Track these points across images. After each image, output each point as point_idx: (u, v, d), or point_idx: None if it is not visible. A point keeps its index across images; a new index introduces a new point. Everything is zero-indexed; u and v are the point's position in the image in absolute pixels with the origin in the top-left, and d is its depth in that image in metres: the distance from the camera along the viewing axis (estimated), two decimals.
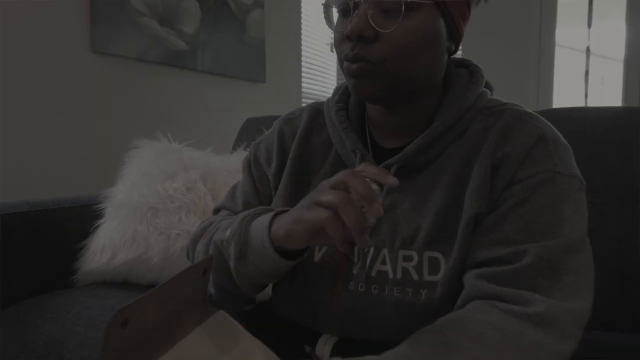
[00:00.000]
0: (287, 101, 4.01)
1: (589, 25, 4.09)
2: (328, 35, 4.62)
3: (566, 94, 4.56)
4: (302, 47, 4.17)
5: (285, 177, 0.83)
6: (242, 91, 3.48)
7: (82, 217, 1.09)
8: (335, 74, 4.65)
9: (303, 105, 4.13)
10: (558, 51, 4.17)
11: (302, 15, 4.16)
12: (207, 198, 1.06)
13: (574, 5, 4.23)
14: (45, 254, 1.03)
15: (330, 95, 0.90)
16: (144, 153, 1.22)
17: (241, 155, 1.23)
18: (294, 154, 0.84)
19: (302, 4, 4.14)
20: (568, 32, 4.22)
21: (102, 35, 2.41)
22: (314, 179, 0.82)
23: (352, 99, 0.86)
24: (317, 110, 0.92)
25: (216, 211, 0.87)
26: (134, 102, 2.63)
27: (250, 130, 1.49)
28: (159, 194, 1.06)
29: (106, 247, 0.99)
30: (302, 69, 4.20)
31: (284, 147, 0.88)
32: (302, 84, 4.21)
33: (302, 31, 4.17)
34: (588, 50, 4.12)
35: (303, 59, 4.20)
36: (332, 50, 4.61)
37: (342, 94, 0.89)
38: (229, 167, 1.14)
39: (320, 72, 4.53)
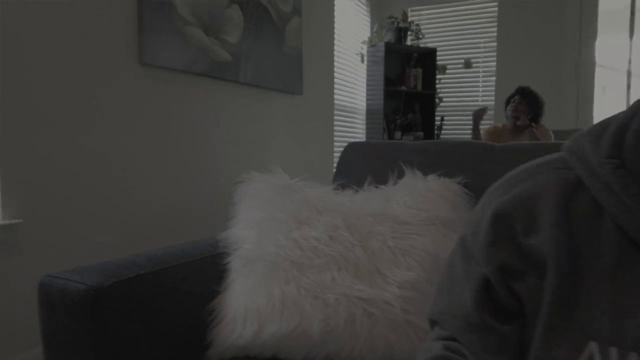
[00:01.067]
0: (320, 113, 3.83)
1: (631, 36, 3.96)
2: (359, 44, 4.46)
3: (607, 110, 4.43)
4: (334, 57, 4.01)
5: (547, 288, 0.58)
6: (280, 104, 3.30)
7: (197, 272, 0.89)
8: (364, 85, 4.48)
9: (335, 116, 4.01)
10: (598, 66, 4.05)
11: (335, 24, 4.00)
12: (356, 251, 0.88)
13: (614, 17, 4.11)
14: (165, 323, 0.83)
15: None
16: (258, 190, 1.03)
17: (373, 197, 1.04)
18: (554, 250, 0.58)
19: (335, 12, 3.98)
20: (608, 46, 4.10)
21: (149, 46, 2.22)
22: (590, 278, 0.57)
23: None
24: (563, 175, 0.62)
25: (432, 324, 0.67)
26: (179, 115, 2.44)
27: (356, 158, 1.30)
28: (300, 245, 0.88)
29: (250, 316, 0.80)
30: (334, 79, 4.03)
31: (525, 245, 0.60)
32: (334, 95, 4.04)
33: (335, 41, 4.00)
34: (630, 63, 3.99)
35: (335, 69, 4.03)
36: (362, 61, 4.44)
37: (612, 146, 0.59)
38: (369, 210, 0.96)
39: (351, 83, 4.36)
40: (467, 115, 4.60)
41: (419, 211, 0.95)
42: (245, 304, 0.83)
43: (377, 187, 1.07)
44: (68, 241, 1.92)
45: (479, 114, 3.14)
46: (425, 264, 0.87)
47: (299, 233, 0.91)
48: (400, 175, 1.11)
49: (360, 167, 1.26)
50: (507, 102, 3.30)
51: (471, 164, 1.11)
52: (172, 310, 0.83)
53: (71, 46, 1.91)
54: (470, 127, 3.32)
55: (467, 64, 4.18)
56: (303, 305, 0.81)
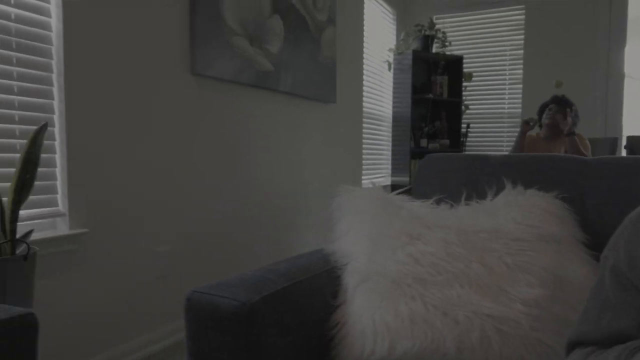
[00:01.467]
0: (351, 121, 3.84)
1: None
2: (385, 52, 4.47)
3: (637, 118, 4.42)
4: (363, 64, 4.03)
5: None
6: (316, 112, 3.32)
7: (318, 287, 0.90)
8: (390, 93, 4.49)
9: (364, 124, 4.02)
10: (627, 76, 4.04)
11: (364, 32, 4.02)
12: (475, 267, 0.88)
13: None
14: (304, 336, 0.83)
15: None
16: (361, 204, 1.04)
17: (476, 212, 1.05)
18: None
19: (364, 21, 4.00)
20: (638, 53, 4.09)
21: (201, 57, 2.24)
22: None
23: None
24: None
25: (569, 347, 0.68)
26: (228, 124, 2.46)
27: (436, 172, 1.31)
28: (418, 261, 0.88)
29: (380, 332, 0.81)
30: (363, 87, 4.05)
31: None
32: (363, 103, 4.05)
33: (364, 49, 4.02)
34: None
35: (364, 77, 4.05)
36: (389, 69, 4.46)
37: None
38: (480, 227, 0.96)
39: (377, 91, 4.37)
40: (493, 122, 4.61)
41: (530, 227, 0.95)
42: (373, 320, 0.83)
43: (477, 202, 1.08)
44: (129, 249, 1.94)
45: (528, 123, 3.13)
46: (544, 281, 0.88)
47: (415, 249, 0.92)
48: (499, 189, 1.11)
49: (444, 181, 1.27)
50: (541, 111, 3.29)
51: (566, 179, 1.12)
52: (306, 324, 0.84)
53: (131, 60, 1.93)
54: (506, 136, 3.32)
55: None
56: (434, 323, 0.82)
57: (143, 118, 1.99)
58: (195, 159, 2.27)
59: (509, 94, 4.53)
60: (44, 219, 1.67)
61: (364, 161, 4.14)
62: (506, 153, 4.45)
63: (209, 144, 2.35)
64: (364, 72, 4.05)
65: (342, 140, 3.71)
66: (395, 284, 0.88)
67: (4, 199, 1.32)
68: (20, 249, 1.33)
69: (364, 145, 4.12)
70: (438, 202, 1.11)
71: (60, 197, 1.72)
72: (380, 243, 0.95)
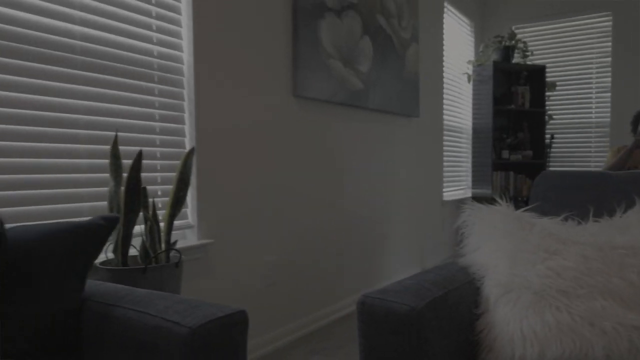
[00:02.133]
0: (432, 134, 3.89)
1: None
2: (464, 65, 4.49)
3: None
4: (443, 78, 4.07)
5: None
6: (401, 126, 3.41)
7: (462, 296, 0.99)
8: (470, 104, 4.49)
9: (444, 137, 4.06)
10: None
11: (444, 47, 4.07)
12: (615, 282, 0.94)
13: None
14: (458, 341, 0.93)
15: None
16: (493, 220, 1.12)
17: (608, 228, 1.09)
18: None
19: (444, 34, 4.05)
20: None
21: (301, 80, 2.41)
22: None
23: None
24: None
25: None
26: (324, 141, 2.61)
27: (554, 188, 1.36)
28: (560, 275, 0.95)
29: (529, 339, 0.89)
30: (443, 100, 4.09)
31: None
32: (443, 116, 4.09)
33: (444, 62, 4.07)
34: None
35: (444, 90, 4.09)
36: (468, 81, 4.46)
37: None
38: (616, 242, 1.01)
39: (457, 104, 4.39)
40: (579, 132, 4.47)
41: None
42: (520, 328, 0.91)
43: (607, 219, 1.12)
44: (245, 258, 2.11)
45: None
46: None
47: (555, 263, 0.98)
48: (627, 206, 1.15)
49: (565, 197, 1.32)
50: (637, 120, 3.18)
51: None
52: (457, 330, 0.93)
53: (245, 85, 2.13)
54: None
55: None
56: (581, 332, 0.88)
57: (255, 138, 2.18)
58: (297, 176, 2.43)
59: (596, 103, 4.39)
60: (177, 230, 1.87)
61: (444, 173, 4.16)
62: (599, 165, 4.28)
63: (308, 161, 2.51)
64: (444, 85, 4.09)
65: (424, 153, 3.76)
66: (538, 295, 0.95)
67: (153, 212, 1.52)
68: (165, 256, 1.52)
69: (444, 158, 4.15)
70: (565, 218, 1.16)
71: (190, 212, 1.93)
72: (518, 257, 1.02)
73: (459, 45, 4.41)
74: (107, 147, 1.58)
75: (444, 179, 4.17)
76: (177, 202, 1.49)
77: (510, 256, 1.03)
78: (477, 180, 4.46)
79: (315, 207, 2.55)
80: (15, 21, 1.38)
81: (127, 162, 1.60)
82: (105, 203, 1.56)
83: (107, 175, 1.57)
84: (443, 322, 0.89)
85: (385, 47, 3.11)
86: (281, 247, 2.33)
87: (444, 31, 4.06)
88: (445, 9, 4.06)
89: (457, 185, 4.49)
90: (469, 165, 4.61)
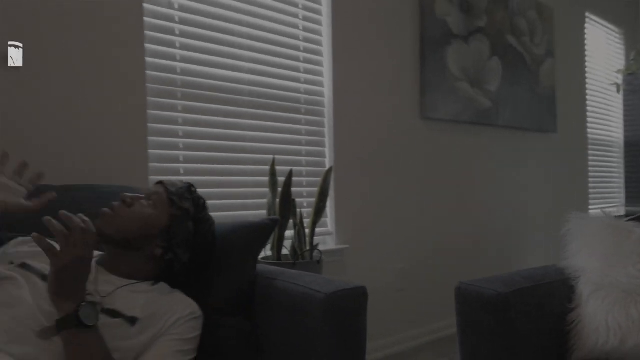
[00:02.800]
0: (574, 149, 3.76)
1: None
2: (613, 75, 4.23)
3: None
4: (586, 90, 3.91)
5: None
6: (534, 142, 3.40)
7: (554, 291, 1.14)
8: (621, 116, 4.20)
9: (589, 151, 3.87)
10: None
11: (586, 57, 3.91)
12: None
13: None
14: (544, 327, 1.09)
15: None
16: (591, 228, 1.24)
17: None
18: None
19: (586, 45, 3.89)
20: None
21: (428, 103, 2.64)
22: None
23: None
24: None
25: None
26: (450, 159, 2.79)
27: None
28: None
29: (613, 329, 1.01)
30: (587, 113, 3.91)
31: None
32: (587, 130, 3.91)
33: (586, 74, 3.91)
34: None
35: (587, 102, 3.91)
36: (618, 92, 4.19)
37: None
38: None
39: (605, 116, 4.15)
40: None
41: None
42: (606, 320, 1.04)
43: None
44: (376, 263, 2.39)
45: None
46: None
47: None
48: None
49: None
50: None
51: None
52: (546, 318, 1.09)
53: (375, 110, 2.44)
54: None
55: None
56: None
57: (385, 157, 2.46)
58: (424, 190, 2.65)
59: None
60: (319, 236, 2.23)
61: (590, 190, 3.96)
62: None
63: (435, 178, 2.71)
64: (588, 97, 3.92)
65: (564, 169, 3.66)
66: (626, 293, 1.06)
67: (301, 220, 1.88)
68: (307, 255, 1.87)
69: (589, 173, 3.95)
70: None
71: (330, 221, 2.28)
72: (611, 261, 1.13)
73: (605, 55, 4.18)
74: (267, 168, 2.00)
75: (590, 195, 3.96)
76: (319, 212, 1.84)
77: (604, 259, 1.14)
78: (631, 196, 4.14)
79: (442, 221, 2.73)
80: (207, 75, 1.88)
81: (281, 179, 2.00)
82: (264, 211, 1.98)
83: (266, 189, 1.99)
84: (530, 309, 1.05)
85: (516, 66, 3.18)
86: (410, 256, 2.55)
87: (586, 42, 3.91)
88: (587, 19, 3.92)
89: (608, 201, 4.20)
90: (622, 180, 4.29)
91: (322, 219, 2.24)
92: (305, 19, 2.21)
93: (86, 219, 0.90)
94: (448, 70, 2.74)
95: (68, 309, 0.85)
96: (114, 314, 0.93)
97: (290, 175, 1.79)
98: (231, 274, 1.18)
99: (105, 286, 0.97)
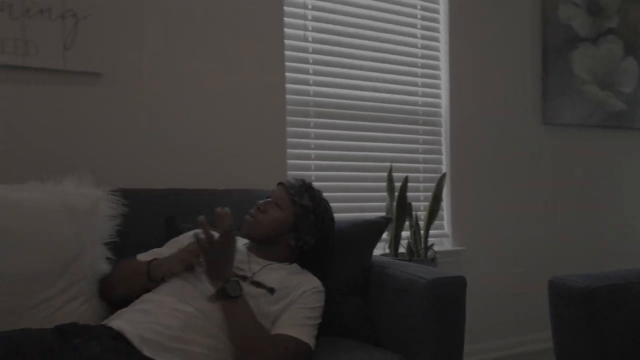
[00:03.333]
0: None
1: None
2: None
3: None
4: None
5: None
6: None
7: None
8: None
9: None
10: None
11: None
12: None
13: None
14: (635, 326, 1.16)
15: None
16: None
17: None
18: None
19: None
20: None
21: (551, 108, 2.63)
22: None
23: None
24: None
25: None
26: (576, 165, 2.74)
27: None
28: None
29: None
30: None
31: None
32: None
33: None
34: None
35: None
36: None
37: None
38: None
39: None
40: None
41: None
42: None
43: None
44: (493, 266, 2.48)
45: None
46: None
47: None
48: None
49: None
50: None
51: None
52: (635, 314, 1.16)
53: (493, 115, 2.52)
54: None
55: None
56: None
57: (505, 163, 2.54)
58: (546, 197, 2.65)
59: None
60: (435, 237, 2.40)
61: None
62: None
63: (558, 184, 2.68)
64: None
65: None
66: None
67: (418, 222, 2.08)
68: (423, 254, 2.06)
69: None
70: None
71: (446, 224, 2.44)
72: None
73: None
74: (384, 174, 2.23)
75: None
76: (432, 214, 2.03)
77: None
78: None
79: (566, 228, 2.69)
80: (334, 95, 2.19)
81: (398, 185, 2.22)
82: (383, 213, 2.22)
83: (384, 194, 2.22)
84: (620, 303, 1.13)
85: None
86: (530, 261, 2.58)
87: None
88: None
89: None
90: None
91: (439, 222, 2.41)
92: (423, 36, 2.41)
93: (228, 226, 1.14)
94: (573, 74, 2.70)
95: (217, 285, 1.17)
96: (258, 285, 1.24)
97: (405, 180, 2.01)
98: (350, 261, 1.45)
99: (254, 265, 1.30)
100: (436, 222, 2.39)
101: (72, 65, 1.66)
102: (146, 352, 1.04)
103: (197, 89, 1.86)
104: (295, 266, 1.35)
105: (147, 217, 1.47)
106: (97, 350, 1.01)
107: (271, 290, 1.24)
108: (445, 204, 2.44)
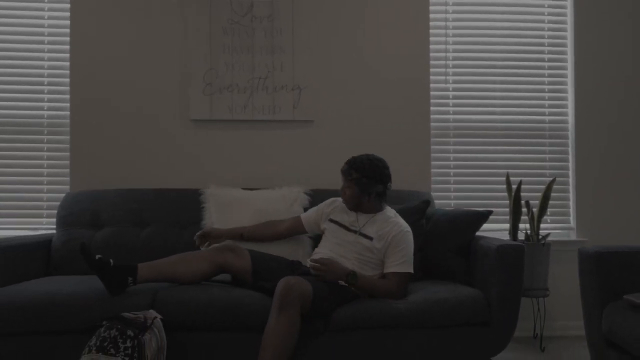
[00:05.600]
0: None
1: None
2: None
3: None
4: None
5: None
6: None
7: None
8: None
9: None
10: None
11: None
12: None
13: None
14: None
15: None
16: None
17: None
18: None
19: None
20: None
21: None
22: None
23: None
24: None
25: None
26: None
27: None
28: None
29: None
30: None
31: None
32: None
33: None
34: None
35: None
36: None
37: None
38: None
39: None
40: None
41: None
42: None
43: None
44: None
45: None
46: None
47: None
48: None
49: None
50: None
51: None
52: None
53: (621, 126, 2.92)
54: None
55: None
56: None
57: (627, 167, 2.92)
58: None
59: None
60: (558, 230, 2.94)
61: None
62: None
63: None
64: None
65: None
66: None
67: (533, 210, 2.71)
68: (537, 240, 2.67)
69: None
70: None
71: (572, 218, 2.95)
72: None
73: None
74: (503, 179, 2.88)
75: None
76: (542, 209, 2.65)
77: None
78: None
79: None
80: (470, 118, 2.96)
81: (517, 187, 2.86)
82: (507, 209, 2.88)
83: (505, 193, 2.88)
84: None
85: None
86: None
87: None
88: None
89: None
90: None
91: (566, 217, 2.96)
92: (550, 52, 2.99)
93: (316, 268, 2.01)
94: None
95: (342, 279, 2.01)
96: (365, 236, 2.10)
97: (519, 185, 2.68)
98: (460, 236, 2.26)
99: (361, 220, 2.15)
100: (563, 217, 2.96)
101: (297, 117, 2.85)
102: None
103: (372, 125, 2.88)
104: (386, 212, 2.16)
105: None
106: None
107: (371, 239, 2.09)
108: (571, 202, 2.96)
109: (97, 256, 1.87)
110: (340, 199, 2.23)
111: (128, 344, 1.63)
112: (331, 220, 2.21)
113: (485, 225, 2.29)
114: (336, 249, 2.11)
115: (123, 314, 1.73)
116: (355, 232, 2.12)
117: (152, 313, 1.80)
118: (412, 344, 1.94)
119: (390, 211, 2.19)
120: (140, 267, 1.94)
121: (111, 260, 1.89)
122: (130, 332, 1.65)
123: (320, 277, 1.95)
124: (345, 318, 1.91)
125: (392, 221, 2.13)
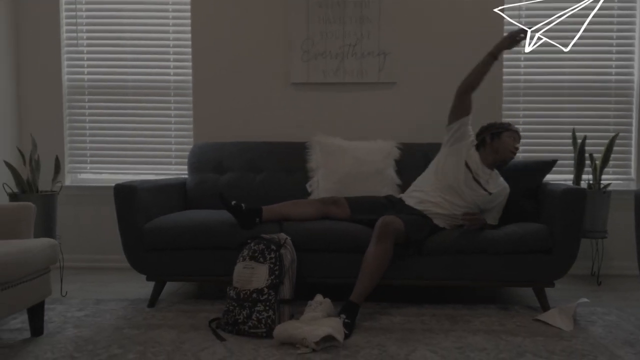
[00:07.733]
0: None
1: None
2: None
3: None
4: None
5: None
6: None
7: None
8: None
9: None
10: None
11: None
12: None
13: None
14: None
15: None
16: None
17: None
18: None
19: None
20: None
21: None
22: None
23: None
24: None
25: None
26: None
27: None
28: None
29: None
30: None
31: None
32: None
33: None
34: None
35: None
36: None
37: None
38: None
39: None
40: None
41: None
42: None
43: None
44: None
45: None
46: None
47: None
48: None
49: None
50: None
51: None
52: None
53: None
54: None
55: None
56: None
57: None
58: None
59: None
60: (621, 181, 3.23)
61: None
62: None
63: None
64: None
65: None
66: None
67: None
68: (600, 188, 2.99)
69: None
70: None
71: (633, 170, 3.23)
72: None
73: None
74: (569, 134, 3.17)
75: None
76: (605, 161, 2.96)
77: None
78: None
79: None
80: (543, 78, 3.25)
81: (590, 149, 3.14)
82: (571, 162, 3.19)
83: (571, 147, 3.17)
84: None
85: None
86: None
87: None
88: None
89: None
90: None
91: (626, 169, 3.24)
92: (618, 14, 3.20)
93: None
94: None
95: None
96: (490, 193, 2.57)
97: (584, 139, 2.98)
98: (530, 181, 2.64)
99: (486, 174, 2.58)
100: (625, 169, 3.25)
101: (382, 79, 3.25)
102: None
103: (448, 86, 3.24)
104: (496, 172, 2.59)
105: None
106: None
107: (490, 194, 2.53)
108: (633, 155, 3.23)
109: (233, 202, 2.41)
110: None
111: (272, 255, 2.17)
112: (467, 166, 2.54)
113: (552, 177, 2.66)
114: (449, 195, 2.54)
115: (263, 235, 2.28)
116: (485, 189, 2.52)
117: (283, 235, 2.33)
118: (490, 266, 2.40)
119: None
120: (265, 209, 2.47)
121: (243, 205, 2.42)
122: (273, 247, 2.19)
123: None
124: (436, 245, 2.40)
125: (501, 180, 2.60)
